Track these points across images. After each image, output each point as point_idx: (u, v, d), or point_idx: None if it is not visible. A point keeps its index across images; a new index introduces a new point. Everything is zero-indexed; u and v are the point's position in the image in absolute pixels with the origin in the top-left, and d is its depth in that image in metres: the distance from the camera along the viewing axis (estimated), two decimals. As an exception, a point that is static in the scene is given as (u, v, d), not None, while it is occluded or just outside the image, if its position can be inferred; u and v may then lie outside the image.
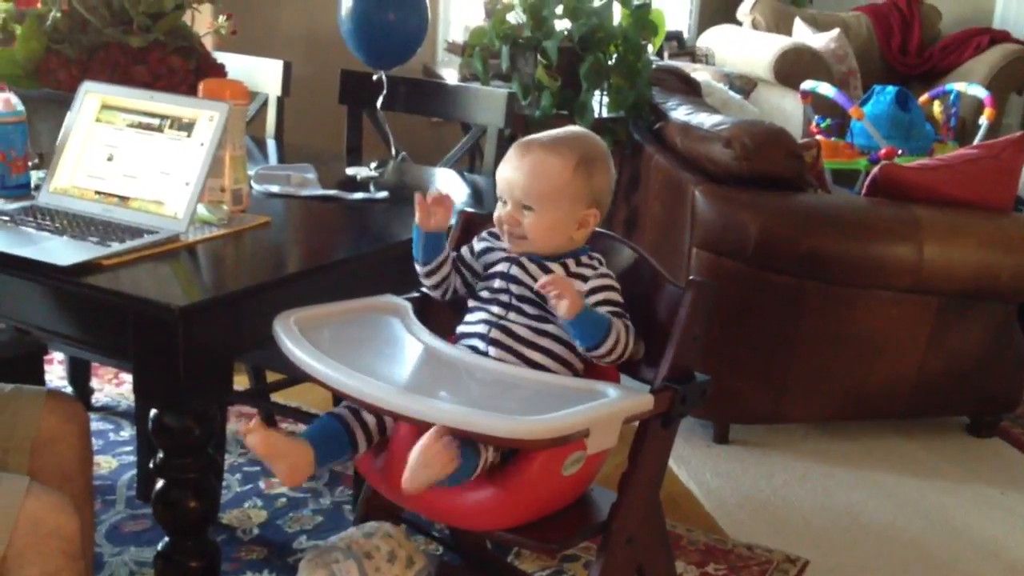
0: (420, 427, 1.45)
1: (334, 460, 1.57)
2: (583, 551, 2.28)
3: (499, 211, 1.64)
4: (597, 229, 1.73)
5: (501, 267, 1.65)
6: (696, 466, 2.80)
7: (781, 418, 2.93)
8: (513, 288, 1.62)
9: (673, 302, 1.59)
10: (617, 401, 1.46)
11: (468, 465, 1.45)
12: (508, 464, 1.52)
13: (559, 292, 1.48)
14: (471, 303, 1.66)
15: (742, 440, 2.96)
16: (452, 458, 1.38)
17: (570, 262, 1.63)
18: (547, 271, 1.61)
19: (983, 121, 4.61)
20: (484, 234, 1.72)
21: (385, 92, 2.55)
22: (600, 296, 1.59)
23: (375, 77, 2.61)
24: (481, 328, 1.61)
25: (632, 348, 1.58)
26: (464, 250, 1.72)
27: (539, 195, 1.59)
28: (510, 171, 1.62)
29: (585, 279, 1.60)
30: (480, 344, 1.59)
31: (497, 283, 1.64)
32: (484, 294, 1.65)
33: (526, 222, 1.60)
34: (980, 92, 4.77)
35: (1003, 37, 5.63)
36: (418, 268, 1.68)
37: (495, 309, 1.62)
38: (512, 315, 1.60)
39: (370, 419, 1.56)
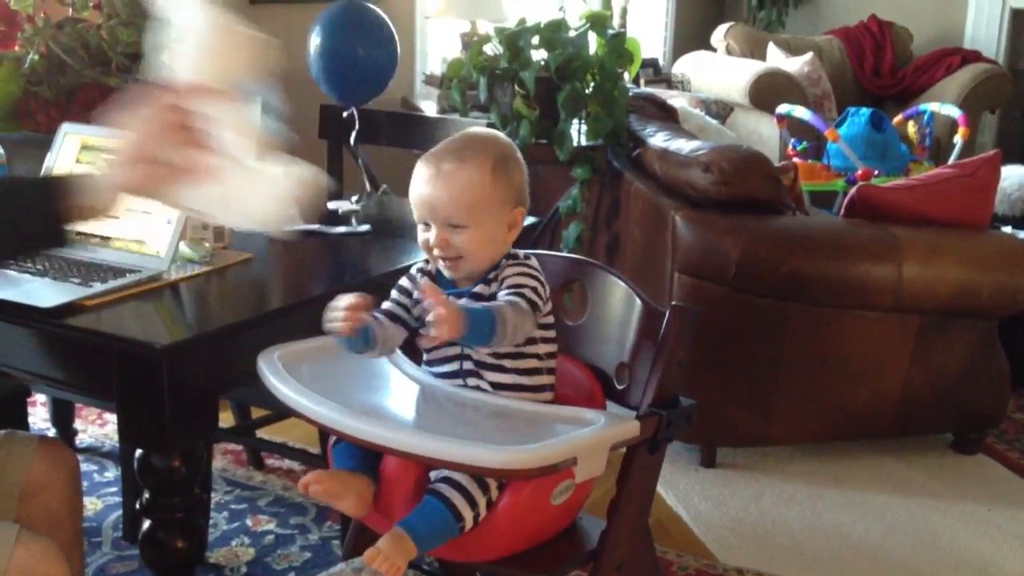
0: (406, 461, 1.45)
1: (377, 470, 1.55)
2: (574, 580, 2.27)
3: (423, 236, 1.55)
4: (577, 257, 1.73)
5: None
6: (684, 490, 2.80)
7: (768, 440, 2.94)
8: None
9: (656, 328, 1.59)
10: (603, 428, 1.47)
11: (444, 531, 1.45)
12: (497, 495, 1.52)
13: (435, 317, 1.36)
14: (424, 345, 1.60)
15: (729, 463, 2.96)
16: (400, 554, 1.39)
17: (491, 275, 1.55)
18: (475, 299, 1.54)
19: (957, 140, 4.65)
20: (414, 273, 1.61)
21: (358, 127, 2.56)
22: (506, 283, 1.52)
23: (345, 114, 2.62)
24: (453, 381, 1.58)
25: (525, 324, 1.50)
26: (396, 294, 1.62)
27: (466, 210, 1.51)
28: (427, 191, 1.53)
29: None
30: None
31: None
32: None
33: (459, 240, 1.52)
34: (953, 112, 4.82)
35: (974, 57, 5.69)
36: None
37: (452, 361, 1.57)
38: (469, 364, 1.56)
39: None
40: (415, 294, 1.60)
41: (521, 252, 1.60)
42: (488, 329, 1.44)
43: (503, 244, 1.57)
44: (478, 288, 1.56)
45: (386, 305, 1.62)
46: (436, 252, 1.54)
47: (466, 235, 1.52)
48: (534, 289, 1.53)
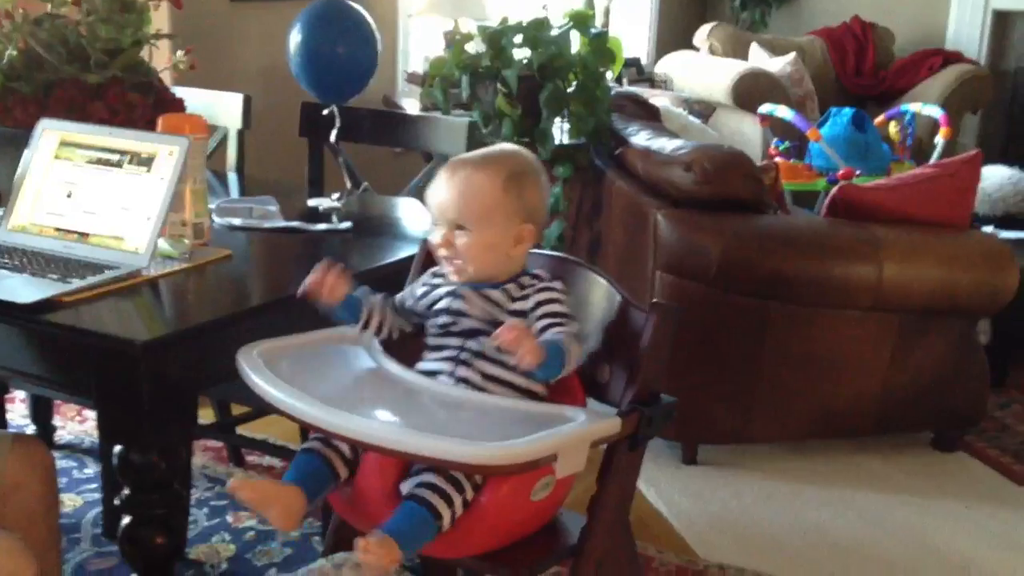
0: (386, 457, 1.45)
1: (321, 494, 1.56)
2: (555, 577, 2.28)
3: (433, 236, 1.61)
4: (559, 255, 1.73)
5: (444, 303, 1.61)
6: (665, 487, 2.81)
7: (748, 438, 2.95)
8: (464, 322, 1.59)
9: (638, 326, 1.60)
10: (584, 425, 1.47)
11: (425, 531, 1.45)
12: (477, 491, 1.52)
13: (516, 349, 1.43)
14: (428, 340, 1.64)
15: (710, 460, 2.97)
16: (387, 556, 1.38)
17: (512, 287, 1.59)
18: (489, 300, 1.58)
19: (938, 140, 4.68)
20: (426, 276, 1.68)
21: (338, 125, 2.55)
22: (542, 311, 1.56)
23: (325, 112, 2.61)
24: (444, 366, 1.59)
25: (580, 356, 1.56)
26: (407, 291, 1.68)
27: (471, 213, 1.57)
28: (440, 192, 1.60)
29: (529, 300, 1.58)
30: (446, 380, 1.59)
31: (442, 319, 1.61)
32: (434, 330, 1.63)
33: (460, 243, 1.57)
34: (935, 112, 4.85)
35: (956, 58, 5.73)
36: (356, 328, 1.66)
37: (451, 348, 1.59)
38: (465, 355, 1.58)
39: (343, 446, 1.55)
40: (418, 291, 1.66)
41: (545, 273, 1.63)
42: (561, 361, 1.50)
43: (506, 257, 1.60)
44: (490, 292, 1.58)
45: (398, 295, 1.68)
46: (441, 252, 1.60)
47: (468, 238, 1.57)
48: (572, 317, 1.58)
